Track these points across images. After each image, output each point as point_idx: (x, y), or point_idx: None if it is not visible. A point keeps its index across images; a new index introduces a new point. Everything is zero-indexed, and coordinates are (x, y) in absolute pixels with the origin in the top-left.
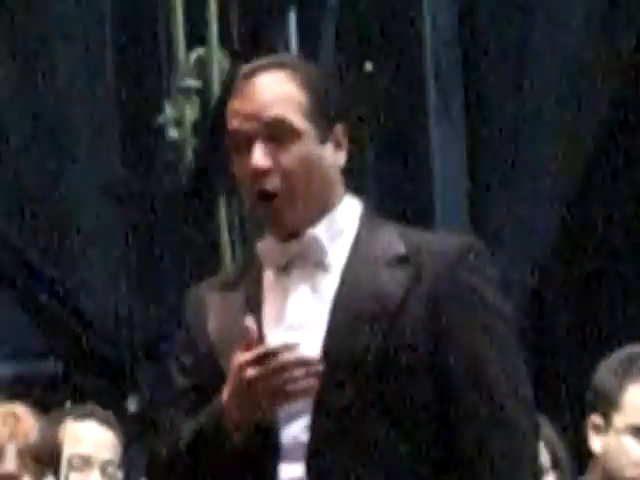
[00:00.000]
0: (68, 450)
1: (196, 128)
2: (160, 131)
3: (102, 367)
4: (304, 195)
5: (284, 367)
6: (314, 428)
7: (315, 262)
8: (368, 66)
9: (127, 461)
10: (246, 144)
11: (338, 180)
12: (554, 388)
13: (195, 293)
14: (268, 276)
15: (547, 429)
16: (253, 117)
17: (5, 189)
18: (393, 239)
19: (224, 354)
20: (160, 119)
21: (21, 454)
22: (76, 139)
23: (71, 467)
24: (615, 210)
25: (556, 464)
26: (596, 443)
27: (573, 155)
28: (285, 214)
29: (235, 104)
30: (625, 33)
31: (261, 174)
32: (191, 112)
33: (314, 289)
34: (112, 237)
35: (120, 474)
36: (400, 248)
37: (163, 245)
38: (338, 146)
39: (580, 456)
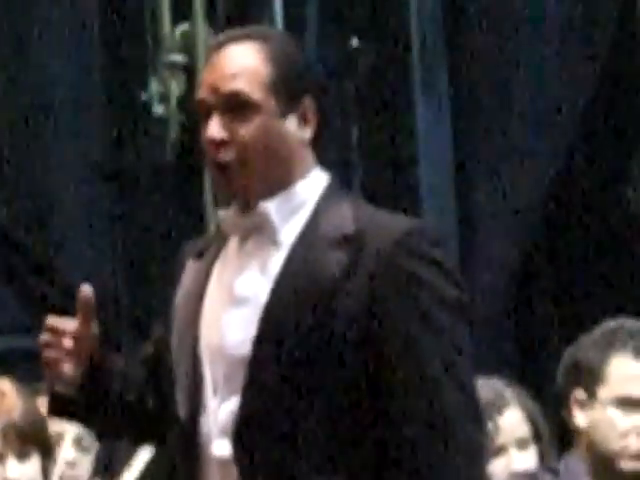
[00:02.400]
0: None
1: (182, 103)
2: (145, 107)
3: None
4: (259, 167)
5: (47, 345)
6: (242, 405)
7: (268, 236)
8: (354, 42)
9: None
10: (207, 115)
11: (302, 154)
12: (537, 361)
13: (181, 255)
14: (232, 244)
15: (528, 402)
16: (214, 89)
17: None
18: (346, 218)
19: (175, 323)
20: (145, 95)
21: (5, 432)
22: (61, 115)
23: None
24: (599, 186)
25: (537, 437)
26: (580, 418)
27: (558, 130)
28: (237, 185)
29: (203, 75)
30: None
31: (217, 145)
32: (176, 87)
33: (263, 264)
34: (97, 212)
35: (97, 444)
36: (349, 228)
37: (149, 220)
38: (304, 120)
39: (562, 431)
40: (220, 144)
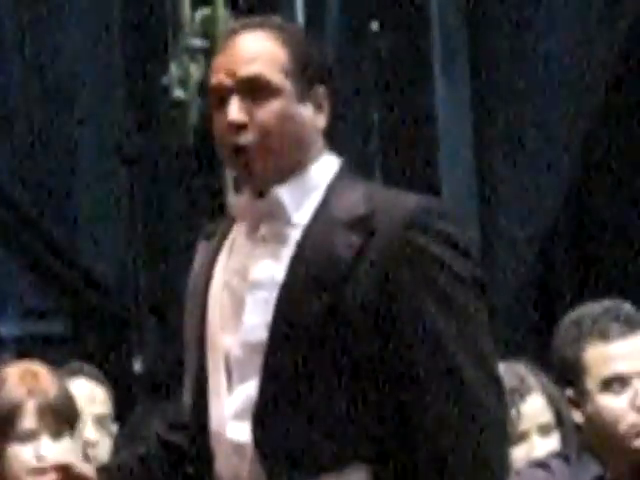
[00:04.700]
0: None
1: (201, 88)
2: (166, 91)
3: (108, 326)
4: (276, 151)
5: None
6: (260, 389)
7: (281, 221)
8: (374, 26)
9: (132, 421)
10: (224, 99)
11: (315, 141)
12: None
13: (199, 239)
14: (240, 230)
15: (551, 387)
16: (231, 73)
17: (11, 150)
18: (357, 200)
19: (187, 307)
20: (165, 79)
21: (41, 411)
22: (81, 100)
23: None
24: (620, 164)
25: (561, 422)
26: (578, 416)
27: (579, 111)
28: (255, 167)
29: (218, 60)
30: None
31: (236, 129)
32: (196, 72)
33: (278, 248)
34: (118, 196)
35: (115, 427)
36: (360, 209)
37: (169, 203)
38: (318, 108)
39: None
40: (240, 127)
